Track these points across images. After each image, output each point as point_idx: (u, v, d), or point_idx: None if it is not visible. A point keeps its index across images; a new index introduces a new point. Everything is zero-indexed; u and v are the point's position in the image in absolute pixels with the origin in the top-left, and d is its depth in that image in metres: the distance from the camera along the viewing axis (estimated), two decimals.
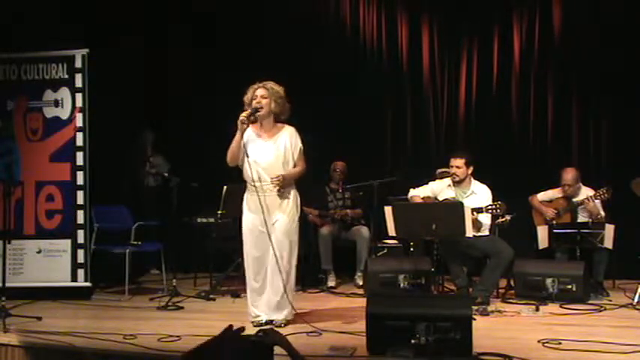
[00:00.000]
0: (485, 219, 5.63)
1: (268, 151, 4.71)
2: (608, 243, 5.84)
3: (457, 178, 5.74)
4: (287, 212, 4.69)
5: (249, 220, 4.75)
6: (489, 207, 5.46)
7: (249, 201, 4.77)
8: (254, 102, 4.69)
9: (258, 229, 4.70)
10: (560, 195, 6.35)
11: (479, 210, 5.45)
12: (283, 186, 4.66)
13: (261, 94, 4.69)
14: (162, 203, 6.91)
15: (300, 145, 4.77)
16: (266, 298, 4.70)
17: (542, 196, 6.44)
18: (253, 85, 4.76)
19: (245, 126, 4.64)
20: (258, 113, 4.68)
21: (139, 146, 7.52)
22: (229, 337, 1.88)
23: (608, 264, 5.98)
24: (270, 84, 4.73)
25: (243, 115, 4.62)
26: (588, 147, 7.22)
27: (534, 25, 7.31)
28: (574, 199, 6.26)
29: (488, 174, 5.96)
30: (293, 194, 4.75)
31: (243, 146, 4.66)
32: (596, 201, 6.11)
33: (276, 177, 4.64)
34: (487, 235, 5.70)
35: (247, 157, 4.65)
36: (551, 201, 6.39)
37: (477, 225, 5.52)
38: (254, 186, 4.68)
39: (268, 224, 4.63)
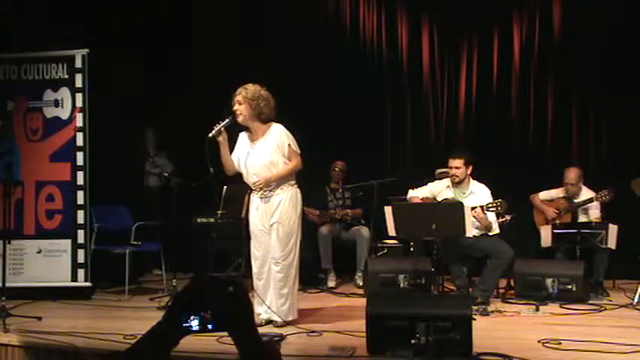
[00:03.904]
0: (492, 217, 5.62)
1: (257, 154, 4.72)
2: (612, 243, 5.82)
3: (457, 179, 5.70)
4: (284, 212, 4.68)
5: (252, 219, 4.81)
6: (490, 205, 5.45)
7: (252, 201, 4.83)
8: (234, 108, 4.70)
9: (259, 229, 4.75)
10: (562, 195, 6.34)
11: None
12: (277, 186, 4.67)
13: (237, 101, 4.68)
14: (163, 203, 6.90)
15: (288, 141, 4.72)
16: (268, 297, 4.71)
17: (543, 195, 6.43)
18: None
19: (221, 139, 4.67)
20: (238, 120, 4.67)
21: (141, 145, 7.51)
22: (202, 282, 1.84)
23: (609, 264, 5.97)
24: (246, 87, 4.68)
25: (210, 135, 4.63)
26: (588, 147, 7.21)
27: (534, 25, 7.29)
28: (575, 200, 6.25)
29: (488, 174, 5.94)
30: (291, 193, 4.73)
31: (236, 156, 4.73)
32: (595, 203, 6.11)
33: (257, 182, 4.67)
34: (492, 235, 5.68)
35: (239, 163, 4.73)
36: (552, 200, 6.38)
37: (488, 226, 5.52)
38: (252, 188, 4.76)
39: (267, 225, 4.69)
